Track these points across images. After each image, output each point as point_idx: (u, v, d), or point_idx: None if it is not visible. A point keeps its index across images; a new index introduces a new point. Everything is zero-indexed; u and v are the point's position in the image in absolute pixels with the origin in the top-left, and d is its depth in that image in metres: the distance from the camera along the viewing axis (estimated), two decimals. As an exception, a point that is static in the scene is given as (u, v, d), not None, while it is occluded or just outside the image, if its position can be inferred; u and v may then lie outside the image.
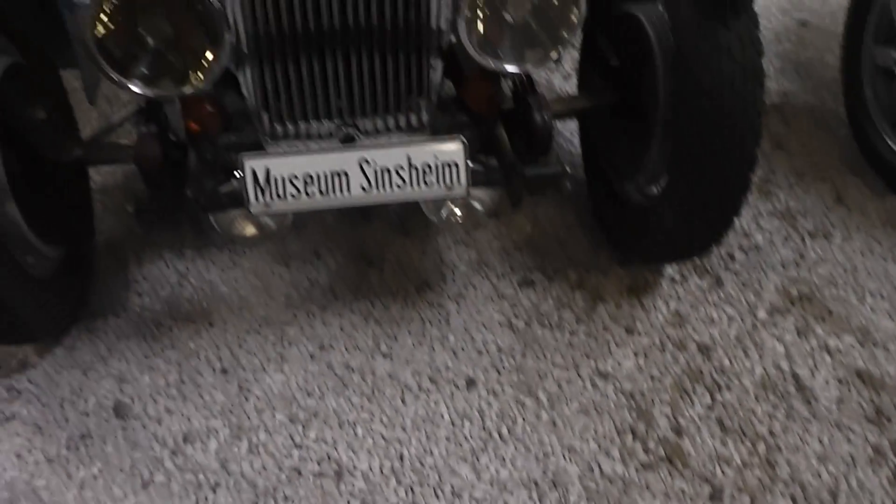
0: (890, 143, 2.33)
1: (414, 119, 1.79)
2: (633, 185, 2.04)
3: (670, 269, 2.11)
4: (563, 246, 2.19)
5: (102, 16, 1.45)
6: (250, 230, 1.76)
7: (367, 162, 1.63)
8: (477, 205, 1.79)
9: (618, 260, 2.13)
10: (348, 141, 1.77)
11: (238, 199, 1.62)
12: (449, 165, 1.64)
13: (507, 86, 1.82)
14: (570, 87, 2.77)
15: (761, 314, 1.99)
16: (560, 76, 2.80)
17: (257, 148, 1.77)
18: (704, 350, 1.91)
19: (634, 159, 1.98)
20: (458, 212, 1.80)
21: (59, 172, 1.87)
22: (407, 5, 1.63)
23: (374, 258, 2.17)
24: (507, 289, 2.07)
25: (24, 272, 1.71)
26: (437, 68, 1.74)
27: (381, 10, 1.63)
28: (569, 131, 2.52)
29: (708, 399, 1.81)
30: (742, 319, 1.98)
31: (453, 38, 1.70)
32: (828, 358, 1.88)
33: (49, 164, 1.80)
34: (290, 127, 1.76)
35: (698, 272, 2.11)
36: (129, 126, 2.07)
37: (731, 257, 2.15)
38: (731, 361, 1.89)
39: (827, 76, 2.86)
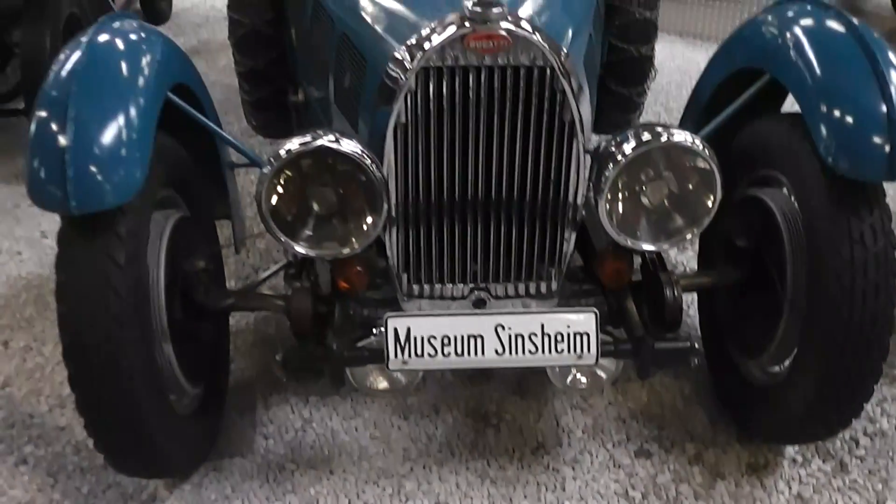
0: None
1: (543, 286, 1.88)
2: (756, 364, 2.05)
3: (791, 450, 2.08)
4: (679, 417, 2.19)
5: (277, 186, 1.62)
6: (382, 384, 1.84)
7: (502, 327, 1.71)
8: (601, 373, 1.84)
9: (736, 435, 2.11)
10: (480, 304, 1.87)
11: (377, 355, 1.72)
12: (580, 335, 1.71)
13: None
14: (684, 257, 2.83)
15: (890, 502, 1.93)
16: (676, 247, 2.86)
17: (394, 304, 1.88)
18: (831, 538, 1.85)
19: (759, 338, 2.00)
20: (582, 378, 1.84)
21: (206, 316, 2.00)
22: (548, 182, 1.75)
23: (491, 417, 2.21)
24: (623, 458, 2.07)
25: (172, 409, 1.82)
26: (570, 240, 1.84)
27: (522, 185, 1.75)
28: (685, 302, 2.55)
29: (836, 592, 1.75)
30: (870, 508, 1.92)
31: (584, 213, 1.81)
32: (965, 558, 1.80)
33: (200, 308, 1.94)
34: (427, 287, 1.87)
35: (821, 454, 2.07)
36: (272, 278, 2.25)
37: (856, 442, 2.10)
38: (859, 553, 1.82)
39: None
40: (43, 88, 1.66)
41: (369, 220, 1.66)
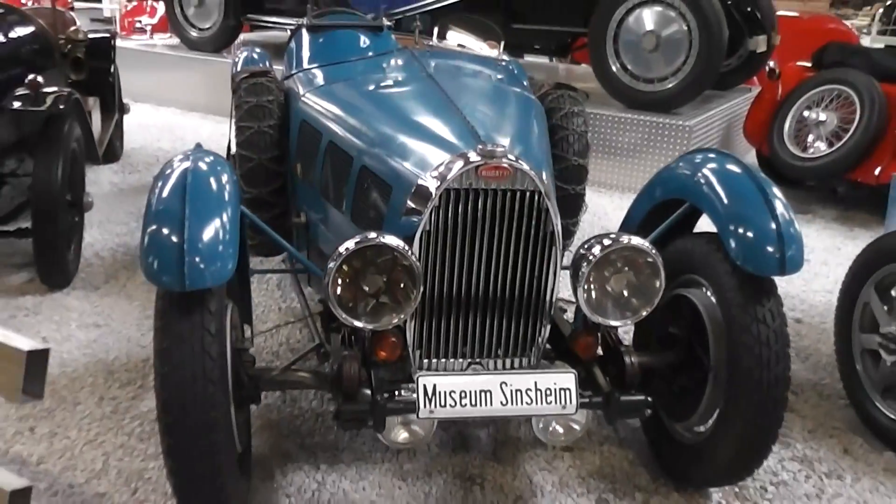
0: (882, 409, 2.94)
1: (524, 361, 2.41)
2: (684, 426, 2.60)
3: (717, 495, 2.61)
4: (627, 475, 2.70)
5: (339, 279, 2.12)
6: (403, 436, 2.27)
7: (505, 384, 2.22)
8: (575, 425, 2.33)
9: (674, 486, 2.63)
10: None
11: (410, 406, 2.18)
12: (564, 390, 2.23)
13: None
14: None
15: (796, 533, 2.48)
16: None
17: (407, 375, 2.36)
18: (754, 557, 2.37)
19: (687, 405, 2.55)
20: (560, 429, 2.33)
21: (254, 388, 2.41)
22: (532, 280, 2.31)
23: (476, 478, 2.66)
24: (588, 505, 2.56)
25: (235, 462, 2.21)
26: (546, 326, 2.39)
27: (513, 282, 2.30)
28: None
29: None
30: (781, 536, 2.46)
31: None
32: (853, 568, 2.34)
33: (251, 380, 2.36)
34: (434, 361, 2.36)
35: (739, 499, 2.61)
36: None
37: (764, 489, 2.66)
38: (776, 568, 2.34)
39: (822, 360, 3.53)
40: (152, 202, 2.14)
41: (411, 290, 2.15)
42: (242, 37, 8.53)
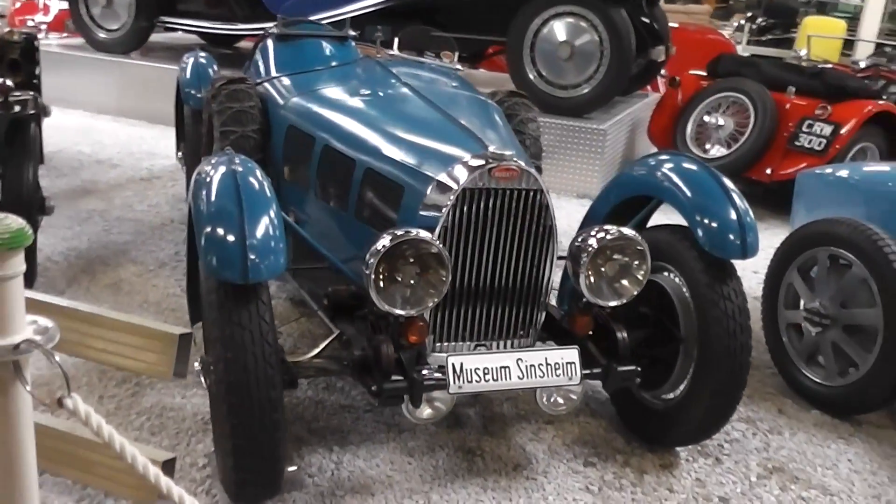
0: (808, 374, 3.43)
1: (524, 342, 2.73)
2: (653, 395, 2.98)
3: (684, 453, 3.00)
4: (605, 441, 3.06)
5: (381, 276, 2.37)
6: (428, 412, 2.54)
7: (521, 360, 2.52)
8: (574, 395, 2.67)
9: (647, 447, 3.01)
10: (480, 355, 2.67)
11: (441, 384, 2.45)
12: (570, 364, 2.56)
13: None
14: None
15: (753, 478, 2.89)
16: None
17: (421, 356, 2.62)
18: (724, 501, 2.77)
19: (658, 375, 2.93)
20: (560, 400, 2.66)
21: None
22: (532, 269, 2.62)
23: (475, 450, 2.95)
24: (577, 466, 2.90)
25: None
26: (543, 310, 2.71)
27: (516, 271, 2.61)
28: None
29: (734, 532, 2.65)
30: (742, 482, 2.87)
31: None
32: (804, 505, 2.79)
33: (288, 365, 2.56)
34: (447, 344, 2.65)
35: (702, 455, 3.01)
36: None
37: (721, 446, 3.08)
38: (742, 508, 2.76)
39: (746, 336, 4.01)
40: (203, 204, 2.33)
41: (444, 275, 2.41)
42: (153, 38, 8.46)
